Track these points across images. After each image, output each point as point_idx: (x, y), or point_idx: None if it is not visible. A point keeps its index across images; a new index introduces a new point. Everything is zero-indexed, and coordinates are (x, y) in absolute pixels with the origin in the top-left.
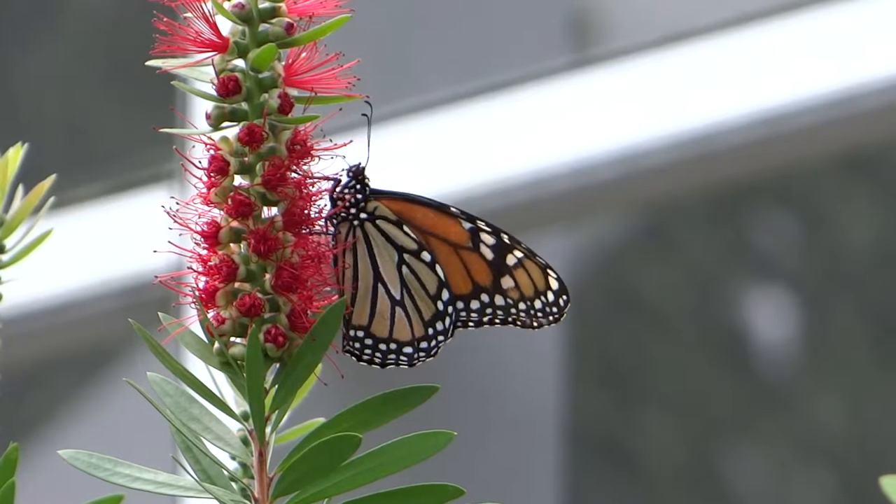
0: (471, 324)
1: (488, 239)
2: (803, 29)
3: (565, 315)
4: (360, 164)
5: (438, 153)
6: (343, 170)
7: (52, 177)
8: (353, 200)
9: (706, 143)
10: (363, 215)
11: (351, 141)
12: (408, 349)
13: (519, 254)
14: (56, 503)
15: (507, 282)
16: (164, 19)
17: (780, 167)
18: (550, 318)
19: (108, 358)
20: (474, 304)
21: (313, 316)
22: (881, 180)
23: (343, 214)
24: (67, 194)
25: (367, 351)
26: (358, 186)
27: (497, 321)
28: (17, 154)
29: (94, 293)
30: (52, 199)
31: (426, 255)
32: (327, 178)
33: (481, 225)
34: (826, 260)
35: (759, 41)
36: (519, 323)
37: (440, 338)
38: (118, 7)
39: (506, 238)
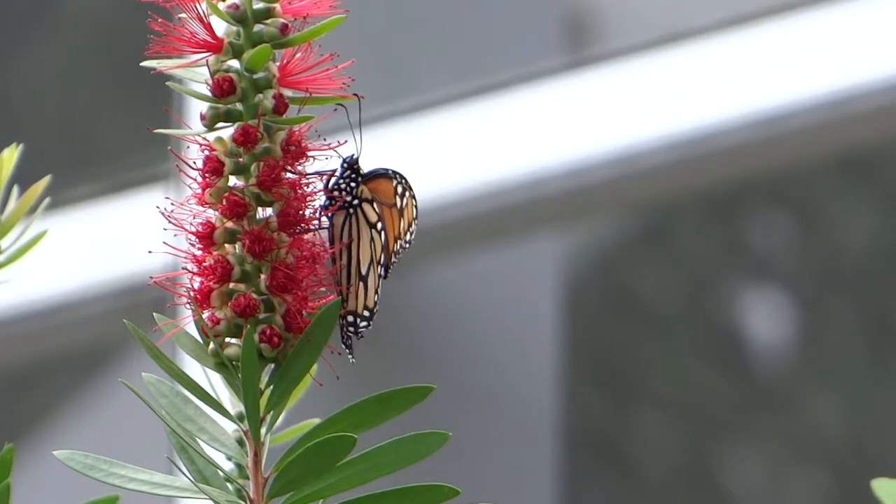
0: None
1: (399, 189)
2: (799, 30)
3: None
4: (353, 155)
5: (434, 154)
6: (337, 161)
7: (48, 177)
8: (347, 189)
9: (702, 144)
10: (355, 201)
11: (345, 141)
12: (366, 313)
13: (406, 194)
14: None
15: (403, 223)
16: (159, 20)
17: (777, 168)
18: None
19: (104, 359)
20: (394, 258)
21: (308, 316)
22: (877, 181)
23: (340, 204)
24: (62, 195)
25: (351, 329)
26: (353, 175)
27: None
28: (12, 155)
29: (89, 294)
30: (47, 200)
31: (380, 224)
32: (321, 175)
33: (398, 178)
34: (822, 260)
35: (755, 42)
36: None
37: (378, 295)
38: (113, 8)
39: (404, 183)
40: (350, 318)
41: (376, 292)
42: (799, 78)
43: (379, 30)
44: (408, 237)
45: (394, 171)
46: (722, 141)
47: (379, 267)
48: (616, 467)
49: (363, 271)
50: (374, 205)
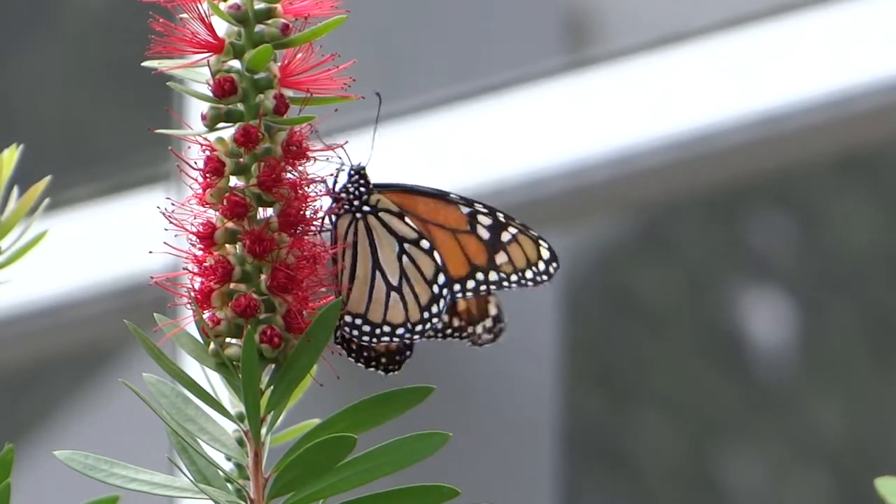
0: (468, 295)
1: (485, 220)
2: (798, 30)
3: (553, 277)
4: (360, 164)
5: (434, 154)
6: (343, 168)
7: (48, 178)
8: (356, 194)
9: (702, 144)
10: (366, 208)
11: (347, 142)
12: (400, 330)
13: (513, 230)
14: None
15: (500, 257)
16: (160, 20)
17: (777, 168)
18: (539, 281)
19: (104, 359)
20: (470, 284)
21: (309, 317)
22: (877, 181)
23: (346, 207)
24: (63, 195)
25: (365, 338)
26: (361, 181)
27: (490, 292)
28: (12, 155)
29: (89, 294)
30: (47, 201)
31: (425, 243)
32: (323, 179)
33: (479, 207)
34: (822, 261)
35: (755, 42)
36: (510, 287)
37: (434, 320)
38: (114, 8)
39: (501, 217)
40: (348, 319)
41: (426, 310)
42: (799, 78)
43: (379, 30)
44: (527, 278)
45: (466, 200)
46: (722, 141)
47: (433, 286)
48: (616, 467)
49: (393, 282)
50: (407, 219)
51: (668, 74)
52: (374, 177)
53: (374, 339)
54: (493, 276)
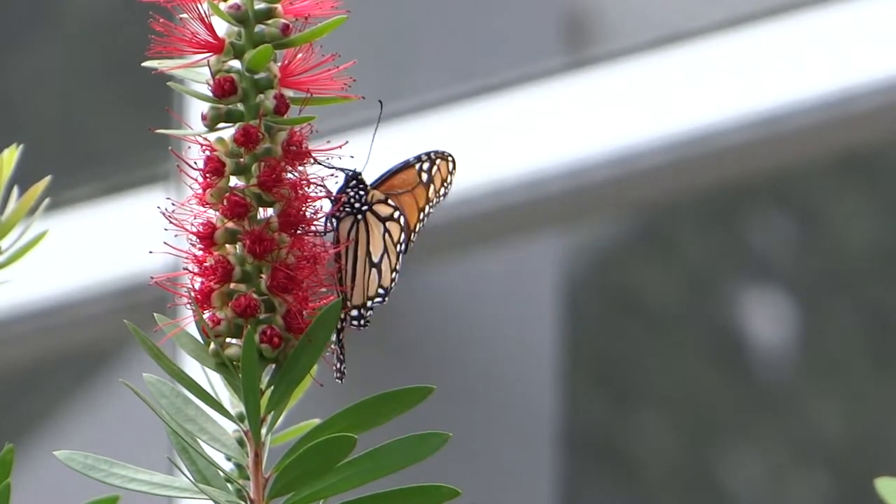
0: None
1: (426, 166)
2: (799, 30)
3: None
4: (356, 170)
5: None
6: (340, 174)
7: (48, 178)
8: (356, 197)
9: (702, 144)
10: (364, 207)
11: (346, 142)
12: (378, 299)
13: (432, 160)
14: None
15: (430, 190)
16: (161, 20)
17: (777, 168)
18: (447, 191)
19: (104, 359)
20: (418, 227)
21: (309, 317)
22: (877, 181)
23: (347, 210)
24: (63, 195)
25: (354, 322)
26: (359, 186)
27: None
28: (12, 155)
29: (89, 294)
30: (47, 201)
31: (396, 214)
32: (323, 180)
33: (422, 156)
34: (823, 261)
35: (755, 42)
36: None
37: (395, 273)
38: (114, 8)
39: (432, 154)
40: (354, 314)
41: (394, 270)
42: (799, 78)
43: (379, 30)
44: (441, 193)
45: (416, 157)
46: (722, 141)
47: (398, 246)
48: (616, 467)
49: (375, 260)
50: (389, 200)
51: (668, 74)
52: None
53: (362, 321)
54: (427, 208)
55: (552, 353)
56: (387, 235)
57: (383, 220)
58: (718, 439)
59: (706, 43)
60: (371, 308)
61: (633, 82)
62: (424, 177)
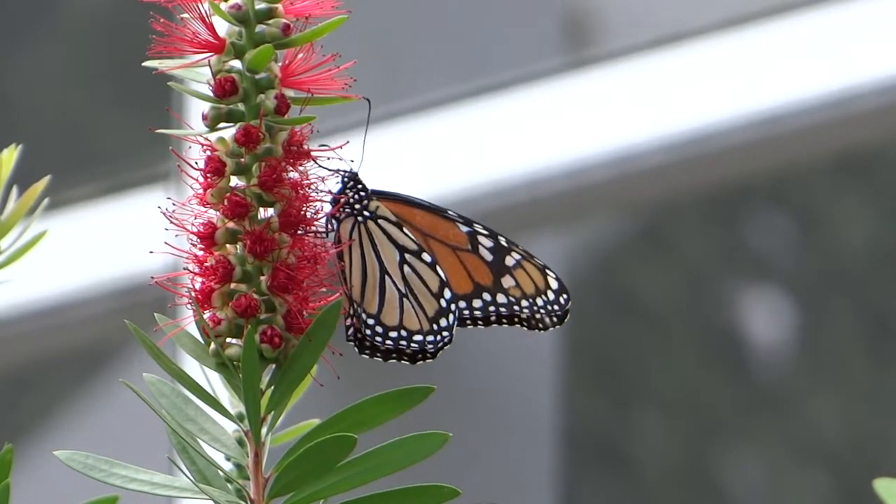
0: (478, 322)
1: (486, 241)
2: (797, 30)
3: (568, 314)
4: (351, 169)
5: (433, 154)
6: (338, 173)
7: (47, 178)
8: (356, 198)
9: (702, 144)
10: (366, 213)
11: (347, 142)
12: (417, 337)
13: (517, 255)
14: None
15: (507, 281)
16: (161, 20)
17: (776, 168)
18: (554, 317)
19: (105, 359)
20: (477, 303)
21: (309, 317)
22: (876, 181)
23: (347, 210)
24: (63, 195)
25: (378, 339)
26: (359, 186)
27: (503, 319)
28: (11, 155)
29: (89, 294)
30: (46, 200)
31: (426, 256)
32: (323, 180)
33: (478, 228)
34: (822, 260)
35: (754, 42)
36: (524, 321)
37: (444, 334)
38: (114, 8)
39: (503, 240)
40: (370, 321)
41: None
42: (799, 78)
43: (379, 30)
44: (539, 306)
45: (463, 218)
46: (721, 141)
47: (441, 300)
48: (615, 467)
49: (402, 289)
50: (406, 230)
51: (668, 74)
52: (372, 181)
53: (390, 342)
54: (501, 298)
55: (552, 353)
56: (407, 269)
57: (399, 247)
58: (718, 439)
59: (706, 43)
60: (406, 340)
61: (633, 82)
62: (488, 256)
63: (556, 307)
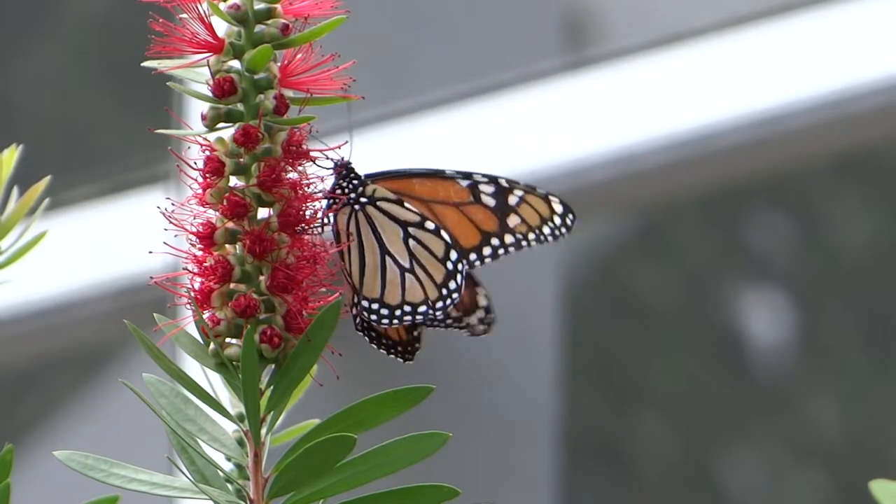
0: (485, 262)
1: (487, 188)
2: (799, 30)
3: (572, 228)
4: (343, 158)
5: (433, 154)
6: (329, 161)
7: (47, 178)
8: (350, 187)
9: (701, 145)
10: (363, 199)
11: (346, 142)
12: (422, 308)
13: (519, 192)
14: None
15: (513, 220)
16: (160, 20)
17: (775, 168)
18: (560, 234)
19: (104, 359)
20: (486, 251)
21: (309, 316)
22: (877, 181)
23: (343, 202)
24: (62, 196)
25: (385, 320)
26: (351, 175)
27: (511, 252)
28: (11, 155)
29: (89, 294)
30: (47, 201)
31: (429, 224)
32: (322, 179)
33: (478, 178)
34: (821, 261)
35: (754, 43)
36: (529, 245)
37: (454, 295)
38: (113, 8)
39: (503, 182)
40: (365, 304)
41: (443, 286)
42: (799, 78)
43: (379, 30)
44: (545, 233)
45: (463, 173)
46: (721, 141)
47: (447, 264)
48: (615, 467)
49: (405, 265)
50: (407, 203)
51: (668, 74)
52: (366, 169)
53: (396, 321)
54: (508, 238)
55: (552, 353)
56: (412, 242)
57: (402, 223)
58: (717, 439)
59: (706, 43)
60: (411, 315)
61: (633, 82)
62: (491, 202)
63: (563, 230)
